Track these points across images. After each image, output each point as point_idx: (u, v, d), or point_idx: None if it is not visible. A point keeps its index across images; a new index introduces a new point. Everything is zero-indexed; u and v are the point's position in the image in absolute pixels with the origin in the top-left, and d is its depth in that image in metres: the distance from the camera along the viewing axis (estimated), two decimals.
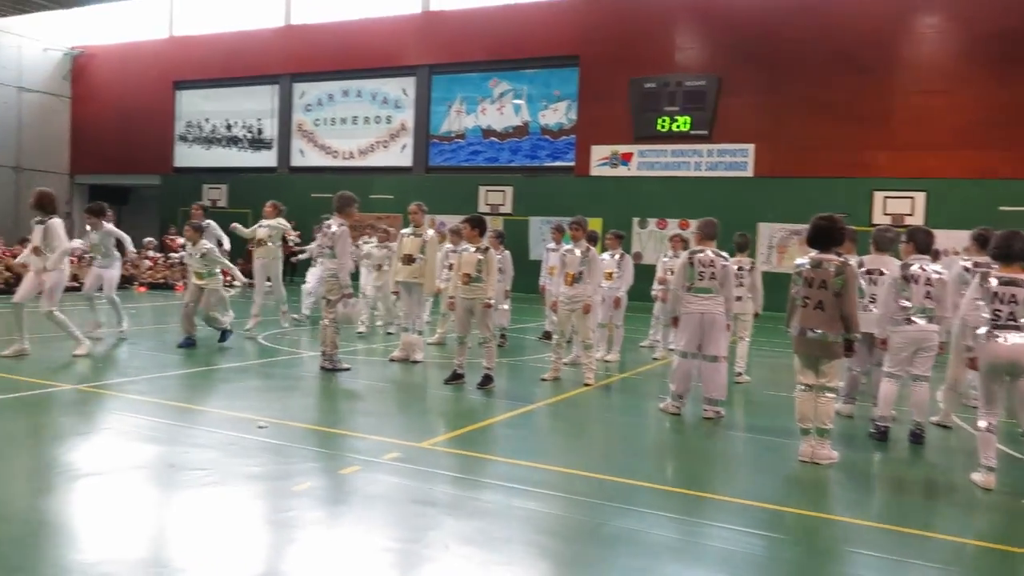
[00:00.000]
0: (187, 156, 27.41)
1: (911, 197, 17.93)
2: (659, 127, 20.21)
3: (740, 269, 8.83)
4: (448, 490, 4.70)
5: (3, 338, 9.15)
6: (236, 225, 12.45)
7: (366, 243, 12.59)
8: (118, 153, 27.64)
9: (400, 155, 23.74)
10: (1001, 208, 16.48)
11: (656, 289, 10.90)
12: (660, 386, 8.83)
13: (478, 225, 8.03)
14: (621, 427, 6.93)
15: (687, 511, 4.56)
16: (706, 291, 7.15)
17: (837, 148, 18.38)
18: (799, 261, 5.86)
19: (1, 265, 16.21)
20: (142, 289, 18.67)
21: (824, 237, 5.71)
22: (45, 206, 8.66)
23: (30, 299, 8.65)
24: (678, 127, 20.03)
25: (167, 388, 7.45)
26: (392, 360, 9.42)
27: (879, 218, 17.78)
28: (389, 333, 11.98)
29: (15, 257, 16.55)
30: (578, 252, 8.41)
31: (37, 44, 27.30)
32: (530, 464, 5.29)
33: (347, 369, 8.55)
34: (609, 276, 9.79)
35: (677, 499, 4.83)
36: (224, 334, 10.16)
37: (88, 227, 10.28)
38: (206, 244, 10.13)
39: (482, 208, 21.78)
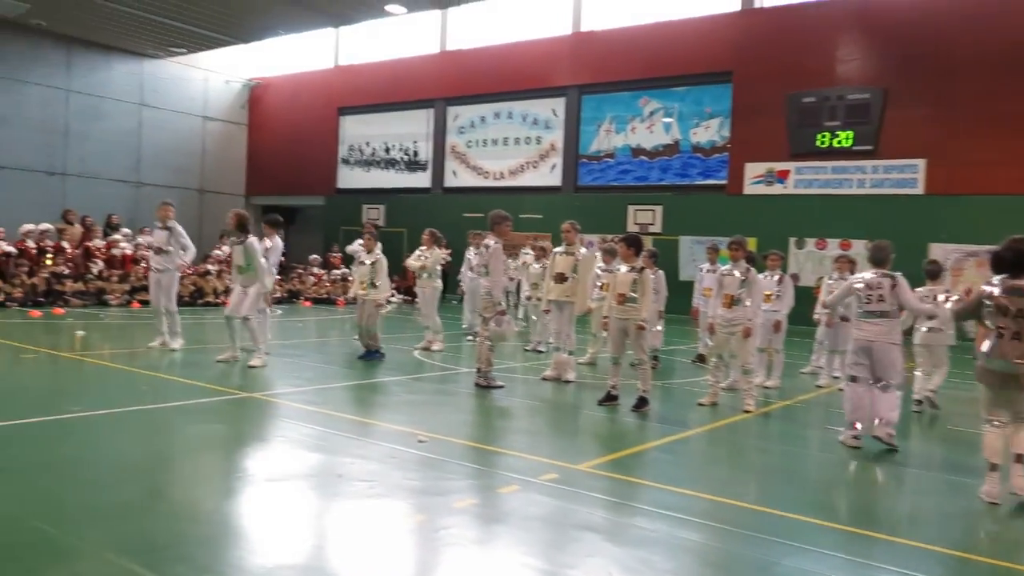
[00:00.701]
0: (349, 178, 28.89)
1: None
2: (818, 143, 19.28)
3: (934, 299, 8.30)
4: (608, 516, 4.62)
5: (218, 345, 9.95)
6: (408, 262, 12.58)
7: (524, 254, 12.73)
8: (287, 176, 29.55)
9: (549, 175, 23.96)
10: None
11: (819, 313, 10.34)
12: (825, 415, 8.36)
13: (634, 244, 7.93)
14: (785, 457, 6.59)
15: (863, 553, 4.24)
16: (875, 315, 6.70)
17: (1018, 163, 16.84)
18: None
19: (188, 281, 17.61)
20: (307, 303, 19.77)
21: (1021, 261, 5.22)
22: (243, 226, 9.40)
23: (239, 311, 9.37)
24: (839, 143, 19.03)
25: (333, 399, 7.81)
26: (544, 379, 9.44)
27: None
28: (539, 351, 12.05)
29: (202, 275, 18.00)
30: (737, 273, 8.12)
31: (220, 77, 29.70)
32: (692, 493, 5.11)
33: (501, 387, 8.64)
34: (768, 298, 9.39)
35: (850, 539, 4.50)
36: (370, 352, 10.44)
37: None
38: (379, 254, 10.56)
39: (631, 227, 21.57)
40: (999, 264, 5.34)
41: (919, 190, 18.16)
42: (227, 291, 16.43)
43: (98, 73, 25.95)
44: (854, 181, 18.97)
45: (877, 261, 6.99)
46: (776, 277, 9.69)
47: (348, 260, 12.55)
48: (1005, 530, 4.89)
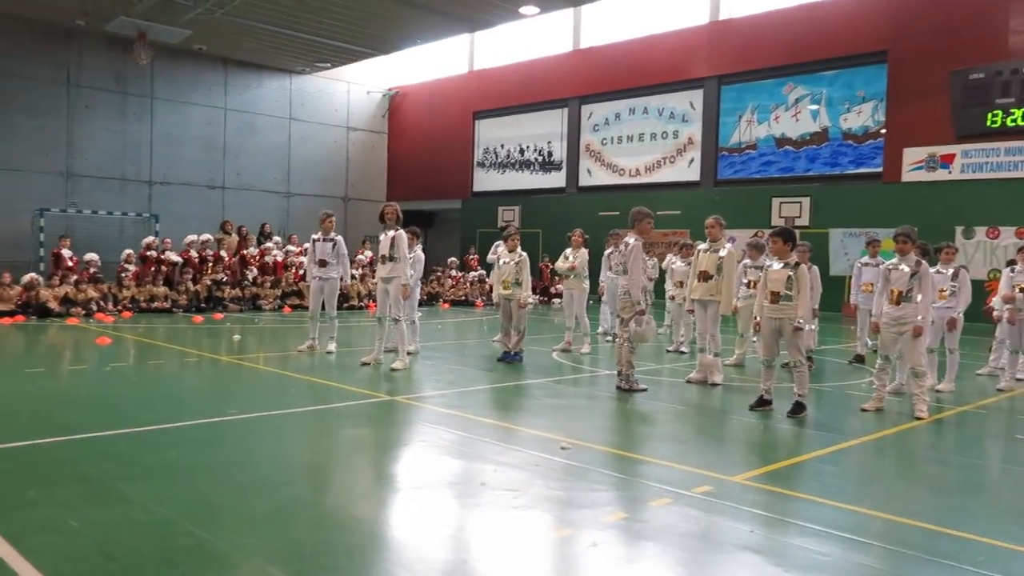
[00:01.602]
0: (484, 181, 29.21)
1: None
2: (989, 123, 17.61)
3: None
4: (771, 535, 4.23)
5: (364, 348, 10.24)
6: (557, 264, 12.39)
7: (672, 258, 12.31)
8: (425, 181, 30.24)
9: (687, 170, 23.23)
10: None
11: (1000, 308, 9.34)
12: (1009, 423, 7.51)
13: (789, 239, 7.40)
14: (967, 470, 5.90)
15: None
16: None
17: None
18: None
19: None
20: (446, 305, 20.09)
21: None
22: (399, 219, 9.56)
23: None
24: (1015, 121, 17.28)
25: (473, 403, 7.75)
26: (689, 382, 9.03)
27: None
28: (682, 352, 11.61)
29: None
30: (906, 267, 7.42)
31: (361, 88, 30.81)
32: (862, 510, 4.62)
33: (644, 390, 8.32)
34: (942, 294, 8.56)
35: None
36: (508, 355, 10.30)
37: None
38: (522, 253, 10.49)
39: (776, 221, 20.54)
40: None
41: None
42: (371, 295, 16.92)
43: (251, 91, 27.53)
44: None
45: None
46: (951, 271, 8.83)
47: (487, 265, 12.56)
48: None
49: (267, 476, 5.04)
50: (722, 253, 8.99)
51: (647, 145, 24.13)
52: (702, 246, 9.24)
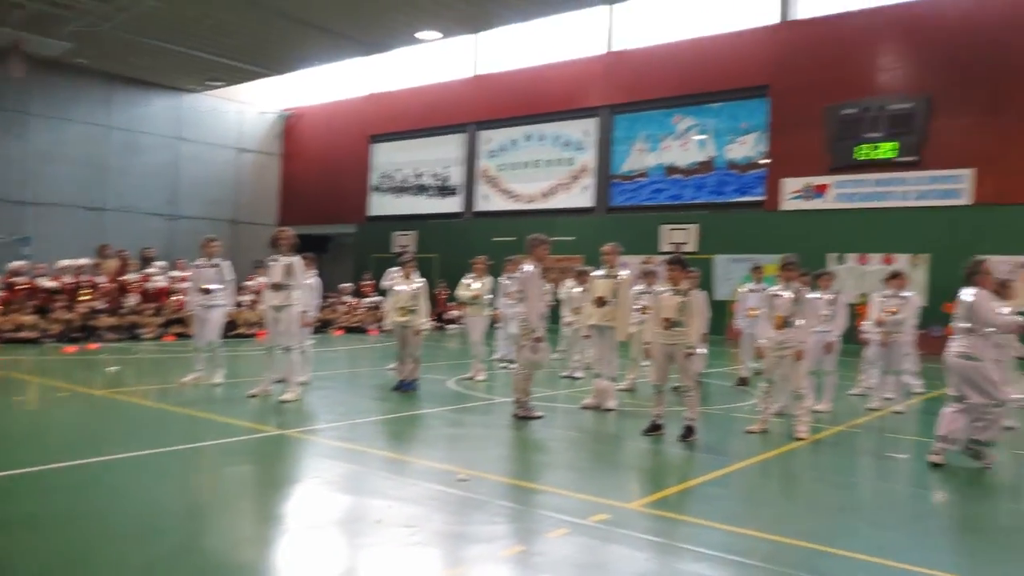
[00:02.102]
0: (380, 205, 28.93)
1: None
2: (859, 155, 18.81)
3: None
4: (673, 563, 4.28)
5: (252, 379, 9.80)
6: (459, 292, 12.32)
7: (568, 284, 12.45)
8: (319, 204, 29.69)
9: (581, 196, 23.72)
10: None
11: (871, 331, 9.89)
12: (880, 441, 7.93)
13: (683, 266, 7.61)
14: (846, 489, 6.19)
15: None
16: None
17: None
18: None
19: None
20: (338, 332, 19.66)
21: None
22: (296, 246, 9.28)
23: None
24: (881, 154, 18.54)
25: (367, 435, 7.56)
26: (584, 408, 9.11)
27: None
28: (575, 378, 11.72)
29: (235, 306, 17.95)
30: (789, 293, 7.75)
31: (254, 108, 30.05)
32: (753, 533, 4.75)
33: (540, 417, 8.34)
34: (820, 319, 8.99)
35: None
36: (404, 383, 10.13)
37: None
38: (420, 280, 10.33)
39: (665, 247, 21.23)
40: None
41: (966, 200, 17.59)
42: (259, 323, 16.38)
43: (137, 109, 26.40)
44: (897, 193, 18.45)
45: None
46: (829, 297, 9.30)
47: (382, 291, 12.30)
48: None
49: (144, 522, 4.73)
50: (618, 279, 9.15)
51: (543, 171, 24.52)
52: (598, 272, 9.38)
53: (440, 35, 23.76)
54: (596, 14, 23.30)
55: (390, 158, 28.60)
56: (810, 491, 6.19)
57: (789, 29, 20.19)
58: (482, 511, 5.06)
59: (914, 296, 10.08)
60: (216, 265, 10.34)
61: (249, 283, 19.21)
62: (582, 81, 23.50)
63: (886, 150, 18.44)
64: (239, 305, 18.06)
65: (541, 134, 24.60)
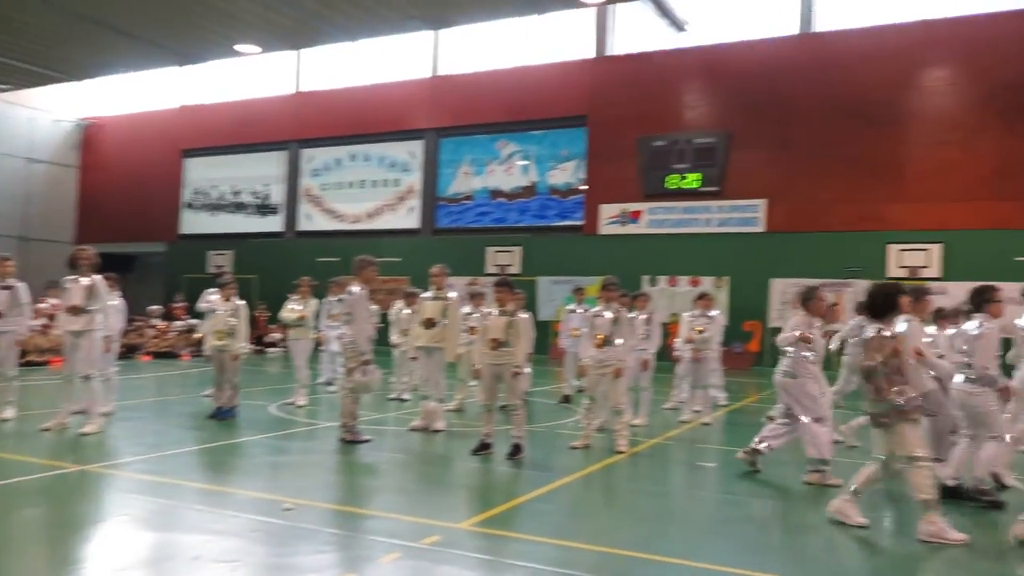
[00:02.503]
0: (193, 223, 27.39)
1: (927, 249, 17.71)
2: (669, 184, 20.16)
3: None
4: None
5: (48, 411, 8.83)
6: (283, 315, 11.81)
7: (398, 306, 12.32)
8: (124, 221, 27.63)
9: (407, 217, 23.70)
10: (1017, 259, 16.26)
11: (681, 349, 10.57)
12: (693, 451, 8.47)
13: (510, 288, 7.78)
14: (664, 499, 6.57)
15: None
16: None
17: (850, 201, 18.27)
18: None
19: None
20: (146, 358, 18.33)
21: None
22: (96, 266, 8.49)
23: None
24: (688, 184, 19.98)
25: (181, 467, 7.08)
26: (412, 429, 9.05)
27: (894, 271, 17.56)
28: (403, 400, 11.63)
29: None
30: (609, 314, 8.13)
31: (48, 116, 27.55)
32: (577, 545, 4.91)
33: (368, 440, 8.19)
34: (637, 337, 9.48)
35: None
36: (222, 411, 9.61)
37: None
38: (239, 302, 9.82)
39: (490, 268, 21.64)
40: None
41: (761, 228, 19.29)
42: (52, 349, 14.96)
43: None
44: (702, 220, 19.92)
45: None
46: (645, 317, 9.84)
47: (197, 314, 11.53)
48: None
49: None
50: (447, 301, 9.20)
51: (368, 192, 24.27)
52: (426, 294, 9.39)
53: (259, 49, 22.97)
54: (421, 38, 23.49)
55: (205, 174, 27.19)
56: (630, 501, 6.50)
57: (605, 64, 21.35)
58: (309, 540, 4.88)
59: (719, 316, 10.89)
60: (9, 287, 9.30)
61: (41, 305, 17.48)
62: (408, 103, 23.57)
63: (692, 180, 19.90)
64: (31, 330, 16.40)
65: (366, 154, 24.37)
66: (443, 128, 23.26)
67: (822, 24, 19.26)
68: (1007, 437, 6.63)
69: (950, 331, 6.96)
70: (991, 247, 16.79)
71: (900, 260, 17.89)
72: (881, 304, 5.45)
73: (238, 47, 22.56)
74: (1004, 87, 17.21)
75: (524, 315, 7.99)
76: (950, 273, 17.14)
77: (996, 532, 5.48)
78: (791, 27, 19.47)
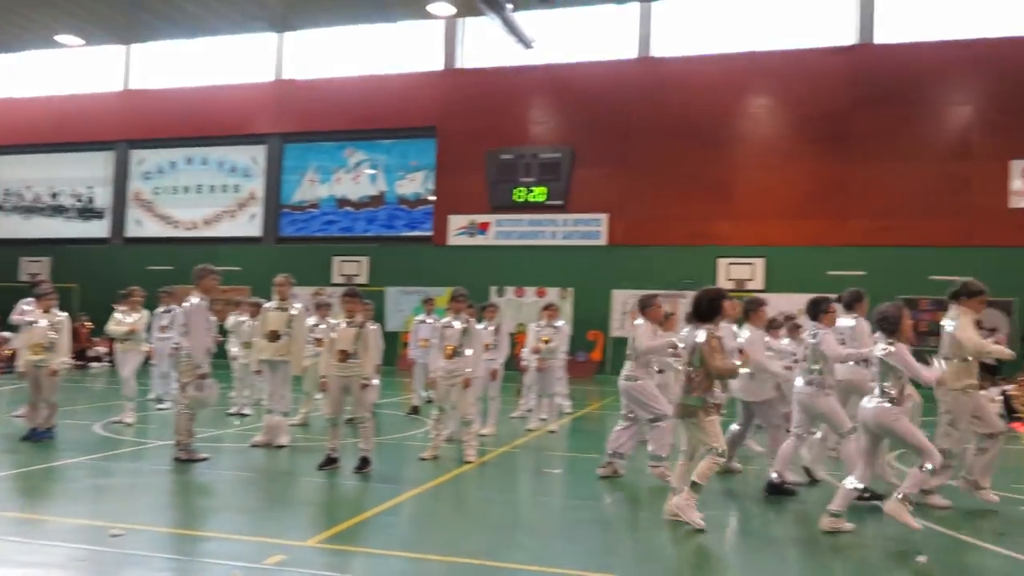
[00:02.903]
0: (3, 227, 25.00)
1: (751, 263, 19.08)
2: (516, 197, 20.57)
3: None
4: None
5: None
6: (110, 328, 10.97)
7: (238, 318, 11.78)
8: None
9: (249, 225, 22.78)
10: (829, 272, 17.81)
11: (529, 358, 10.78)
12: (540, 458, 8.65)
13: (359, 298, 7.65)
14: (512, 506, 6.66)
15: None
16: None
17: (684, 217, 19.38)
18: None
19: None
20: None
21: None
22: None
23: None
24: (534, 197, 20.47)
25: None
26: (254, 445, 8.69)
27: (723, 283, 18.76)
28: (244, 415, 11.15)
29: None
30: (458, 325, 8.17)
31: None
32: (426, 557, 4.90)
33: (205, 459, 7.77)
34: (486, 348, 9.58)
35: None
36: (37, 432, 8.81)
37: None
38: (61, 313, 9.01)
39: (336, 278, 21.21)
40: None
41: (603, 241, 20.07)
42: None
43: None
44: (547, 233, 20.46)
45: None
46: (493, 328, 9.95)
47: (10, 327, 10.45)
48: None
49: None
50: (292, 312, 8.91)
51: (206, 198, 23.13)
52: (270, 304, 9.06)
53: (83, 42, 21.39)
54: (265, 40, 22.74)
55: (17, 173, 24.91)
56: (479, 511, 6.55)
57: (454, 76, 21.53)
58: (141, 567, 4.57)
59: (564, 326, 11.20)
60: None
61: None
62: (251, 106, 22.70)
63: (538, 194, 20.41)
64: None
65: (204, 158, 23.22)
66: (288, 133, 22.59)
67: (658, 49, 20.36)
68: (818, 434, 7.28)
69: (785, 340, 7.68)
70: (806, 261, 18.34)
71: (729, 273, 19.17)
72: (707, 309, 5.86)
73: (59, 38, 20.92)
74: (817, 117, 18.89)
75: (373, 326, 7.89)
76: (772, 285, 18.56)
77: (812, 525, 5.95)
78: (631, 51, 20.45)
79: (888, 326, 5.55)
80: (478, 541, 5.45)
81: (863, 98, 18.64)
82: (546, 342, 10.48)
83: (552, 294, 19.66)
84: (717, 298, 5.92)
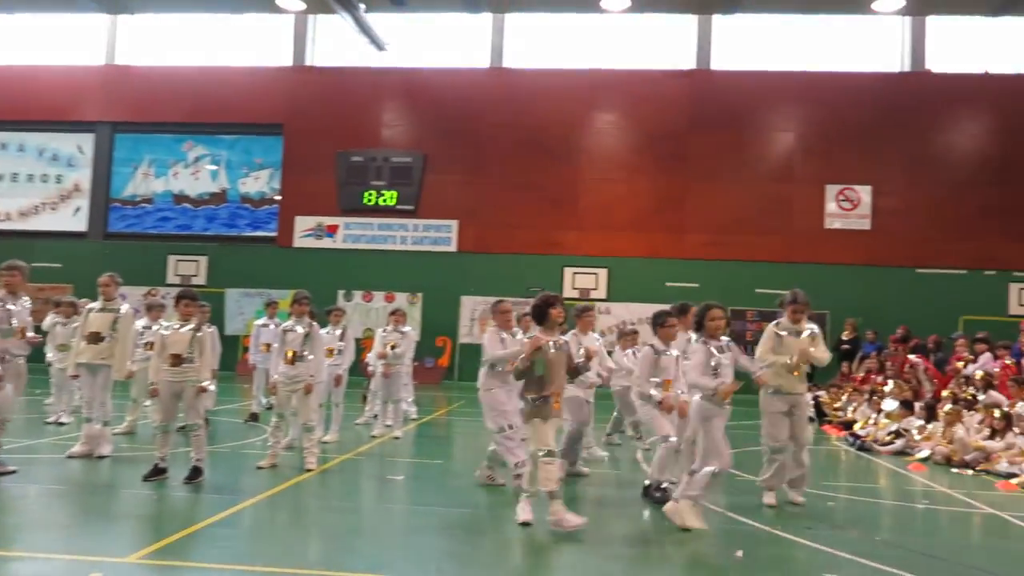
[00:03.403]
0: None
1: (595, 273, 19.76)
2: (366, 200, 20.27)
3: None
4: None
5: None
6: None
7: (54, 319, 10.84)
8: None
9: (72, 219, 21.11)
10: (667, 284, 18.74)
11: (375, 363, 10.64)
12: (384, 465, 8.55)
13: (194, 299, 7.27)
14: (350, 514, 6.54)
15: None
16: None
17: (532, 226, 19.80)
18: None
19: None
20: None
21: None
22: None
23: None
24: (384, 201, 20.25)
25: None
26: (72, 456, 8.04)
27: (569, 292, 19.30)
28: (62, 423, 10.31)
29: None
30: (300, 329, 7.94)
31: None
32: (260, 569, 4.72)
33: (13, 471, 7.11)
34: (330, 353, 9.37)
35: None
36: None
37: None
38: None
39: (172, 279, 20.07)
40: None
41: (453, 248, 20.15)
42: None
43: None
44: (398, 238, 20.31)
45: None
46: (339, 332, 9.75)
47: None
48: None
49: None
50: (119, 313, 8.33)
51: (22, 187, 21.24)
52: (93, 305, 8.43)
53: None
54: (94, 20, 21.21)
55: None
56: (318, 519, 6.38)
57: (303, 73, 20.94)
58: None
59: (411, 331, 11.14)
60: None
61: None
62: (77, 91, 21.06)
63: (388, 198, 20.21)
64: None
65: (21, 143, 21.32)
66: (119, 123, 21.15)
67: (510, 60, 20.73)
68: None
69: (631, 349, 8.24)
70: (647, 273, 19.21)
71: (574, 282, 19.74)
72: (536, 313, 6.14)
73: None
74: (659, 136, 19.87)
75: (209, 329, 7.53)
76: (614, 294, 19.31)
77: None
78: (483, 60, 20.70)
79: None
80: (315, 550, 5.32)
81: (700, 120, 19.80)
82: (392, 347, 10.38)
83: (401, 299, 19.51)
84: (543, 304, 6.13)
